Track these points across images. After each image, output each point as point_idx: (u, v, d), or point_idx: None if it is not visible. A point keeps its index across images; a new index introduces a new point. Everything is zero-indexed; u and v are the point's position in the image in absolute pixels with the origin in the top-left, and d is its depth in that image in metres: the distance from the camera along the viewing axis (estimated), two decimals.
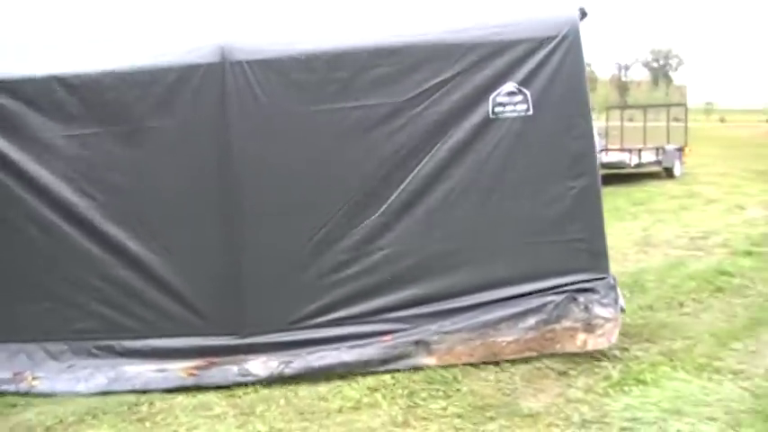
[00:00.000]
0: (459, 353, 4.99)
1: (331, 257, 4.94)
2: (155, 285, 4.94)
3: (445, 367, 4.90)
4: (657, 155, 17.44)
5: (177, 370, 4.89)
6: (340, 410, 4.43)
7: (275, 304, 4.97)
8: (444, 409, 4.38)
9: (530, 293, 5.03)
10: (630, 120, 20.78)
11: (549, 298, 5.02)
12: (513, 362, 4.99)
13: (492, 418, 4.24)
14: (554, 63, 4.88)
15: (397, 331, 4.98)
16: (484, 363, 4.96)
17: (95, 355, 4.97)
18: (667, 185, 15.37)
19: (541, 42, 4.87)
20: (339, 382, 4.80)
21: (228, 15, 4.99)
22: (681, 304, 6.52)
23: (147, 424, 4.37)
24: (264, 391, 4.74)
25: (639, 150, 17.46)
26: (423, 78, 4.85)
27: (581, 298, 5.03)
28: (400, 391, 4.63)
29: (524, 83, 4.88)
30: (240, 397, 4.70)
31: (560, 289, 5.04)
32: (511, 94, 4.88)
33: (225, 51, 4.73)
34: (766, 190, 14.37)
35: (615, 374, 4.78)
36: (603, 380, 4.71)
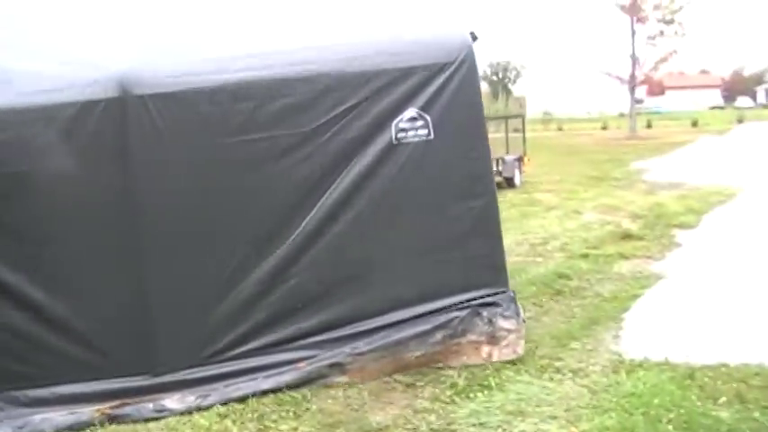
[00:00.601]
0: (371, 370, 5.12)
1: (242, 290, 4.92)
2: (58, 331, 4.74)
3: (295, 388, 4.96)
4: (498, 165, 17.95)
5: (89, 412, 4.75)
6: None
7: (187, 340, 4.90)
8: (295, 429, 4.46)
9: (436, 311, 5.22)
10: None
11: (455, 313, 5.23)
12: (362, 378, 5.11)
13: None
14: (452, 87, 5.09)
15: (311, 357, 5.04)
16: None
17: None
18: (508, 195, 15.85)
19: (441, 68, 5.07)
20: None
21: (128, 48, 4.88)
22: (522, 309, 6.78)
23: None
24: (112, 427, 4.66)
25: None
26: (328, 107, 4.93)
27: (484, 312, 5.27)
28: (250, 415, 4.65)
29: (425, 108, 5.06)
30: None
31: (465, 304, 5.25)
32: (412, 119, 5.05)
33: (125, 85, 4.63)
34: (601, 194, 15.09)
35: (461, 382, 4.94)
36: (449, 388, 4.88)
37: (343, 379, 5.05)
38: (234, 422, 4.57)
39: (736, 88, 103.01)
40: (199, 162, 4.82)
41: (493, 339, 5.28)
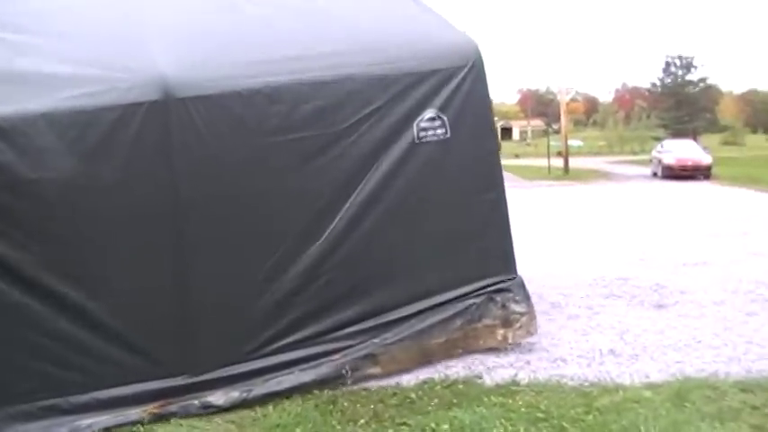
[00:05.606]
0: (400, 360, 5.39)
1: (280, 286, 5.07)
2: (100, 333, 4.72)
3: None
4: None
5: (135, 414, 4.76)
6: None
7: (228, 338, 5.00)
8: None
9: (455, 299, 5.55)
10: None
11: (472, 300, 5.59)
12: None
13: None
14: (465, 89, 5.46)
15: (345, 348, 5.25)
16: None
17: (41, 417, 4.63)
18: None
19: (455, 71, 5.43)
20: None
21: (167, 52, 4.93)
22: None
23: None
24: None
25: None
26: (355, 109, 5.17)
27: (498, 297, 5.66)
28: None
29: (442, 108, 5.39)
30: None
31: (480, 292, 5.61)
32: (431, 119, 5.37)
33: (167, 89, 4.70)
34: None
35: None
36: None
37: (376, 370, 5.30)
38: None
39: None
40: (236, 163, 4.93)
41: (507, 322, 5.68)
